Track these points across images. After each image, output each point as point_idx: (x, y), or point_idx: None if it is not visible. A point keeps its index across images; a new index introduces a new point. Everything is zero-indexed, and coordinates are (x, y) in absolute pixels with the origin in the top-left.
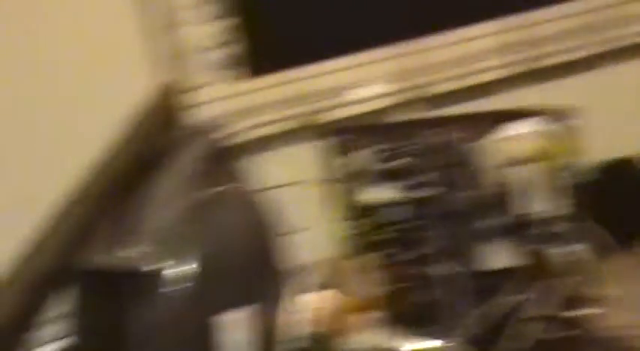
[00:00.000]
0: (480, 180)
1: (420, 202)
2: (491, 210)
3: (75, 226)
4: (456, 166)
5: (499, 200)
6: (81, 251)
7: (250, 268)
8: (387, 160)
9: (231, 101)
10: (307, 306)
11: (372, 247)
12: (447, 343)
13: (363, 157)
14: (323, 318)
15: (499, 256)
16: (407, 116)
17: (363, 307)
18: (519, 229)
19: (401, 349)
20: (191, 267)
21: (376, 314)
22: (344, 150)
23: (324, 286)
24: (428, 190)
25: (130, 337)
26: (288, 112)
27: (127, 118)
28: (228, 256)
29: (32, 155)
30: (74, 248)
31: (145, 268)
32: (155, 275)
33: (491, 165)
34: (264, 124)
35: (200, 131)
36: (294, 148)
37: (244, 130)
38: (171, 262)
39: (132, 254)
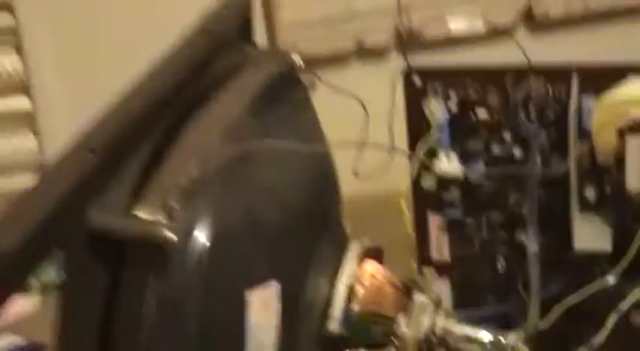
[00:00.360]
0: (585, 145)
1: (506, 162)
2: (596, 181)
3: (89, 165)
4: (557, 125)
5: (607, 171)
6: (86, 201)
7: (302, 232)
8: (471, 110)
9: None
10: (356, 278)
11: (440, 206)
12: (520, 330)
13: (444, 103)
14: (372, 294)
15: (597, 235)
16: (505, 56)
17: (419, 282)
18: (626, 207)
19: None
20: (223, 235)
21: (436, 290)
22: (421, 93)
23: (377, 255)
24: (517, 149)
25: (128, 317)
26: (371, 25)
27: (188, 28)
28: (275, 218)
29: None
30: (78, 197)
31: (162, 237)
32: (173, 246)
33: (603, 128)
34: (341, 38)
35: (271, 52)
36: (368, 71)
37: (316, 42)
38: (195, 229)
39: (149, 215)
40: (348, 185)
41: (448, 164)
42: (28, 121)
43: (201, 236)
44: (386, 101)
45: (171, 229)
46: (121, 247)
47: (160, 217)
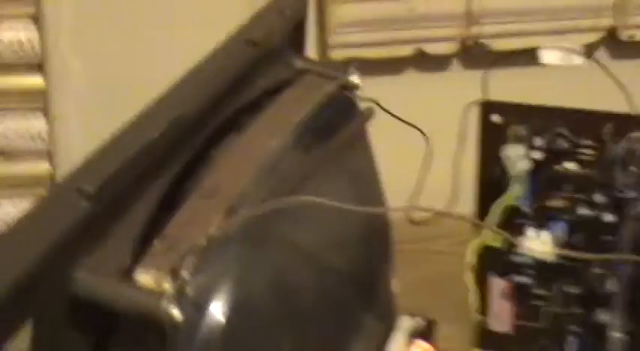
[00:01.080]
0: None
1: (594, 227)
2: None
3: (80, 214)
4: None
5: None
6: (70, 261)
7: (342, 304)
8: (558, 161)
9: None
10: None
11: (507, 269)
12: None
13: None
14: None
15: None
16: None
17: None
18: None
19: None
20: (242, 310)
21: None
22: (500, 134)
23: (428, 331)
24: (609, 213)
25: None
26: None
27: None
28: (310, 286)
29: None
30: (62, 254)
31: (166, 313)
32: (178, 324)
33: None
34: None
35: (326, 69)
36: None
37: (371, 46)
38: (209, 303)
39: (151, 282)
40: (401, 233)
41: (538, 242)
42: (39, 100)
43: (216, 312)
44: (452, 123)
45: (178, 304)
46: (110, 319)
47: (166, 286)
